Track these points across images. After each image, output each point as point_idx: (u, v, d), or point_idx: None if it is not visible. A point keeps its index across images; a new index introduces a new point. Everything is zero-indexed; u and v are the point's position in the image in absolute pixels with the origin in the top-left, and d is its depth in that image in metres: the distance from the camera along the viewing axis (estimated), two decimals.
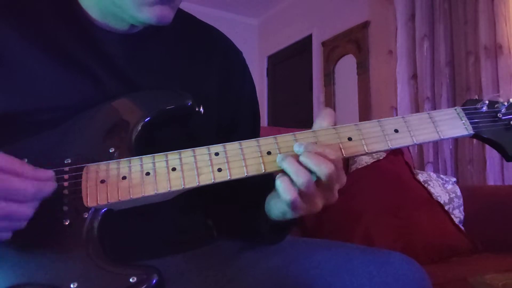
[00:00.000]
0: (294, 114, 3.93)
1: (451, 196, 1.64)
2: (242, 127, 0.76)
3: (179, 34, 0.73)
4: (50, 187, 0.49)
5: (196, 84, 0.69)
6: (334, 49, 3.51)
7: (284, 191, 0.51)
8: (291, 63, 4.18)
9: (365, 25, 3.18)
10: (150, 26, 0.67)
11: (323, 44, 3.62)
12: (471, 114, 0.61)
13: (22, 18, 0.62)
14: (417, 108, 2.51)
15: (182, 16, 0.74)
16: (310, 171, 0.51)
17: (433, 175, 1.73)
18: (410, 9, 2.57)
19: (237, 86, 0.77)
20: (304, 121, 3.71)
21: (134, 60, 0.66)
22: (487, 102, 0.62)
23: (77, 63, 0.62)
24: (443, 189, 1.66)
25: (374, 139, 0.57)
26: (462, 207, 1.64)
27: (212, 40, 0.77)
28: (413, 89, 2.54)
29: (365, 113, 3.14)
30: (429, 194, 1.52)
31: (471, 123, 0.60)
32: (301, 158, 0.52)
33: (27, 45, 0.60)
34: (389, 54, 2.73)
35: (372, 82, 3.14)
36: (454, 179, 1.75)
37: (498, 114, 0.62)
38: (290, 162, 0.52)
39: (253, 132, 0.78)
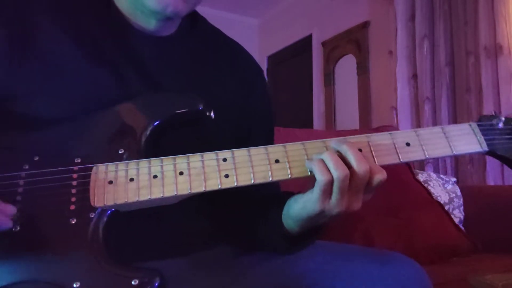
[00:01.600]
0: (294, 114, 3.93)
1: (451, 196, 1.64)
2: (255, 139, 0.76)
3: (205, 44, 0.75)
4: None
5: (217, 91, 0.71)
6: (334, 49, 3.51)
7: (321, 171, 0.51)
8: (291, 63, 4.17)
9: (365, 25, 3.18)
10: (179, 31, 0.71)
11: (323, 44, 3.62)
12: (486, 130, 0.59)
13: (61, 12, 0.64)
14: (417, 108, 2.51)
15: (211, 28, 0.78)
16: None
17: (433, 175, 1.73)
18: (410, 9, 2.56)
19: (256, 101, 0.78)
20: (304, 121, 3.71)
21: (161, 61, 0.68)
22: (503, 118, 0.60)
23: (107, 59, 0.63)
24: (443, 189, 1.66)
25: (384, 151, 0.56)
26: (462, 207, 1.65)
27: (236, 55, 0.79)
28: (413, 89, 2.54)
29: (365, 113, 3.14)
30: (429, 194, 1.52)
31: (485, 139, 0.59)
32: (343, 148, 0.53)
33: (63, 37, 0.62)
34: (389, 54, 2.73)
35: (372, 82, 3.13)
36: (454, 179, 1.75)
37: None
38: (332, 154, 0.52)
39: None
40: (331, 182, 0.52)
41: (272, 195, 0.68)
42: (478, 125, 0.60)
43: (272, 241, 0.63)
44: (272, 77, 4.45)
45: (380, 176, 0.53)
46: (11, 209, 0.48)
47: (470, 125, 0.60)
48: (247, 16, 4.49)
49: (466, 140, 0.59)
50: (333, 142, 0.55)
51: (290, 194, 0.61)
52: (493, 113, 0.62)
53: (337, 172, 0.51)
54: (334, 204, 0.53)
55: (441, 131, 0.59)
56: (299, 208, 0.56)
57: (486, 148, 0.58)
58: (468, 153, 0.59)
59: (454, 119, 2.35)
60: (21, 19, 0.61)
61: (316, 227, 0.60)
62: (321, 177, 0.51)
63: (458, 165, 2.31)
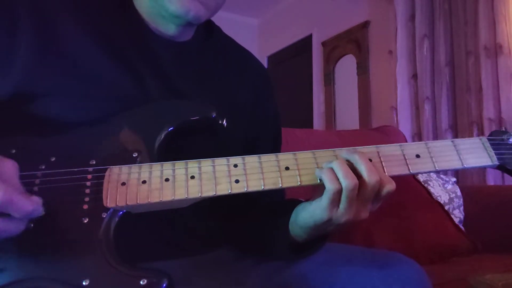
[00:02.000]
0: (294, 114, 3.93)
1: (451, 196, 1.64)
2: (263, 144, 0.78)
3: (219, 52, 0.77)
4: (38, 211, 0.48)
5: (231, 97, 0.73)
6: (334, 49, 3.51)
7: (330, 180, 0.52)
8: (291, 63, 4.18)
9: (365, 25, 3.18)
10: (196, 37, 0.72)
11: (323, 44, 3.62)
12: (496, 145, 0.60)
13: (82, 12, 0.65)
14: (417, 108, 2.51)
15: (224, 37, 0.80)
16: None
17: (433, 175, 1.72)
18: (410, 9, 2.57)
19: (265, 108, 0.80)
20: (304, 121, 3.71)
21: (178, 65, 0.69)
22: None
23: (126, 60, 0.64)
24: (443, 189, 1.66)
25: (394, 162, 0.57)
26: (462, 207, 1.65)
27: (248, 63, 0.82)
28: (413, 89, 2.54)
29: (365, 113, 3.14)
30: (429, 194, 1.52)
31: (496, 153, 0.59)
32: (354, 158, 0.53)
33: (84, 37, 0.63)
34: (389, 54, 2.73)
35: (372, 82, 3.14)
36: (454, 179, 1.75)
37: None
38: (342, 163, 0.53)
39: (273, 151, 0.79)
40: (340, 191, 0.52)
41: (278, 202, 0.68)
42: (489, 140, 0.61)
43: (277, 249, 0.63)
44: (272, 77, 4.44)
45: (390, 186, 0.54)
46: (38, 200, 0.48)
47: (480, 139, 0.61)
48: (247, 16, 4.49)
49: (477, 153, 0.59)
50: (344, 152, 0.55)
51: (296, 201, 0.62)
52: (504, 129, 0.63)
53: (346, 181, 0.51)
54: (342, 213, 0.53)
55: (451, 144, 0.59)
56: (307, 216, 0.56)
57: (496, 162, 0.59)
58: (478, 166, 0.59)
59: (454, 119, 2.35)
60: (45, 18, 0.62)
61: (323, 235, 0.60)
62: (330, 186, 0.52)
63: None
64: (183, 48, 0.71)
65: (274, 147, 0.81)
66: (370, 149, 0.57)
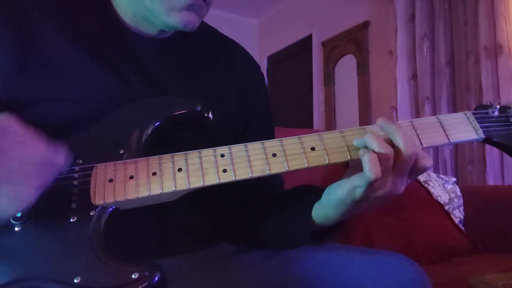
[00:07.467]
0: (294, 114, 3.93)
1: (451, 196, 1.64)
2: (256, 134, 0.76)
3: (203, 44, 0.76)
4: (61, 159, 0.49)
5: (217, 90, 0.72)
6: (334, 49, 3.51)
7: (372, 166, 0.50)
8: (291, 63, 4.18)
9: (365, 25, 3.18)
10: (177, 33, 0.71)
11: (323, 44, 3.62)
12: (481, 118, 0.60)
13: (61, 16, 0.64)
14: (417, 108, 2.51)
15: (206, 28, 0.79)
16: None
17: (433, 175, 1.73)
18: (410, 9, 2.57)
19: (254, 95, 0.79)
20: (304, 121, 3.71)
21: (161, 63, 0.69)
22: (498, 107, 0.61)
23: (108, 61, 0.64)
24: (443, 189, 1.66)
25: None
26: (462, 207, 1.65)
27: (232, 52, 0.80)
28: (413, 89, 2.54)
29: (365, 113, 3.14)
30: (429, 194, 1.52)
31: (481, 127, 0.59)
32: (390, 129, 0.52)
33: (64, 40, 0.63)
34: (389, 54, 2.73)
35: (372, 82, 3.14)
36: (454, 179, 1.75)
37: (510, 119, 0.61)
38: (374, 136, 0.52)
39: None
40: (379, 177, 0.51)
41: (291, 190, 0.68)
42: (473, 114, 0.61)
43: (297, 236, 0.63)
44: (272, 77, 4.45)
45: (425, 162, 0.53)
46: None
47: (465, 113, 0.61)
48: (247, 16, 4.49)
49: (462, 128, 0.59)
50: (380, 122, 0.55)
51: (310, 187, 0.61)
52: (489, 103, 0.62)
53: (382, 151, 0.50)
54: (379, 191, 0.53)
55: (436, 120, 0.59)
56: (345, 193, 0.55)
57: (482, 135, 0.59)
58: (464, 140, 0.59)
59: None
60: (24, 25, 0.61)
61: (342, 221, 0.60)
62: (371, 174, 0.50)
63: (458, 165, 2.31)
64: (165, 45, 0.71)
65: (267, 135, 0.80)
66: (356, 131, 0.57)
